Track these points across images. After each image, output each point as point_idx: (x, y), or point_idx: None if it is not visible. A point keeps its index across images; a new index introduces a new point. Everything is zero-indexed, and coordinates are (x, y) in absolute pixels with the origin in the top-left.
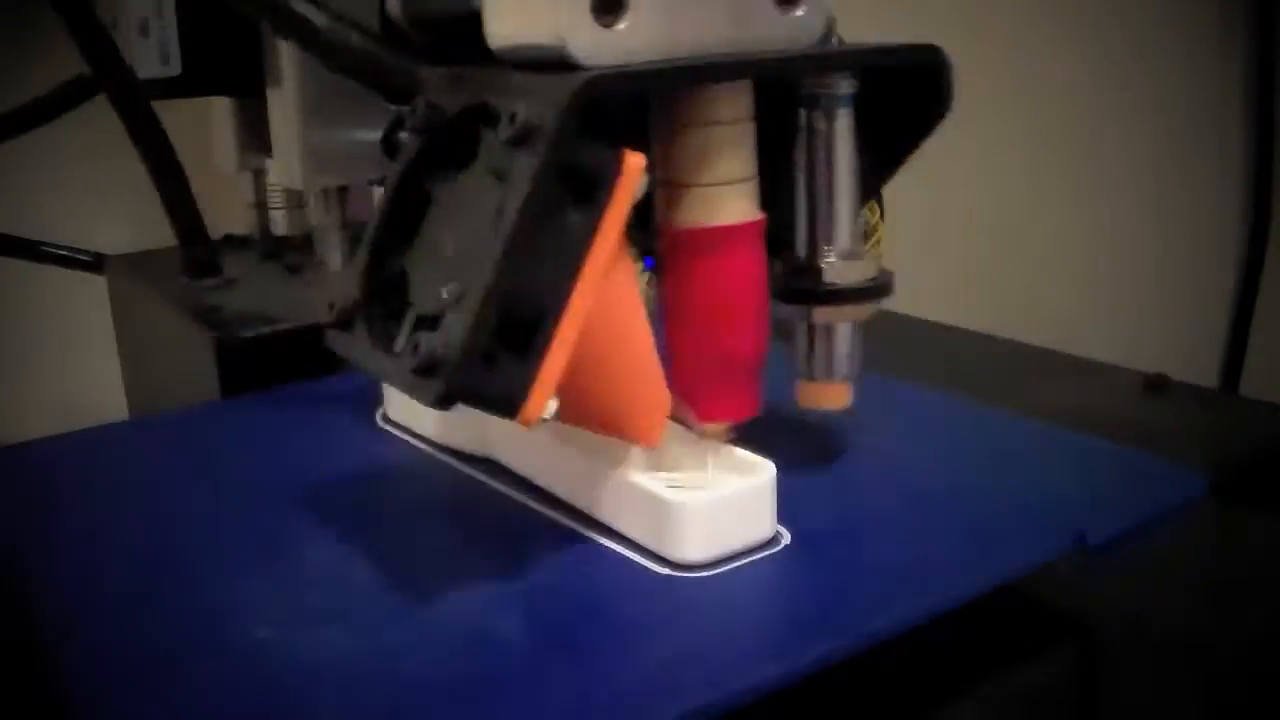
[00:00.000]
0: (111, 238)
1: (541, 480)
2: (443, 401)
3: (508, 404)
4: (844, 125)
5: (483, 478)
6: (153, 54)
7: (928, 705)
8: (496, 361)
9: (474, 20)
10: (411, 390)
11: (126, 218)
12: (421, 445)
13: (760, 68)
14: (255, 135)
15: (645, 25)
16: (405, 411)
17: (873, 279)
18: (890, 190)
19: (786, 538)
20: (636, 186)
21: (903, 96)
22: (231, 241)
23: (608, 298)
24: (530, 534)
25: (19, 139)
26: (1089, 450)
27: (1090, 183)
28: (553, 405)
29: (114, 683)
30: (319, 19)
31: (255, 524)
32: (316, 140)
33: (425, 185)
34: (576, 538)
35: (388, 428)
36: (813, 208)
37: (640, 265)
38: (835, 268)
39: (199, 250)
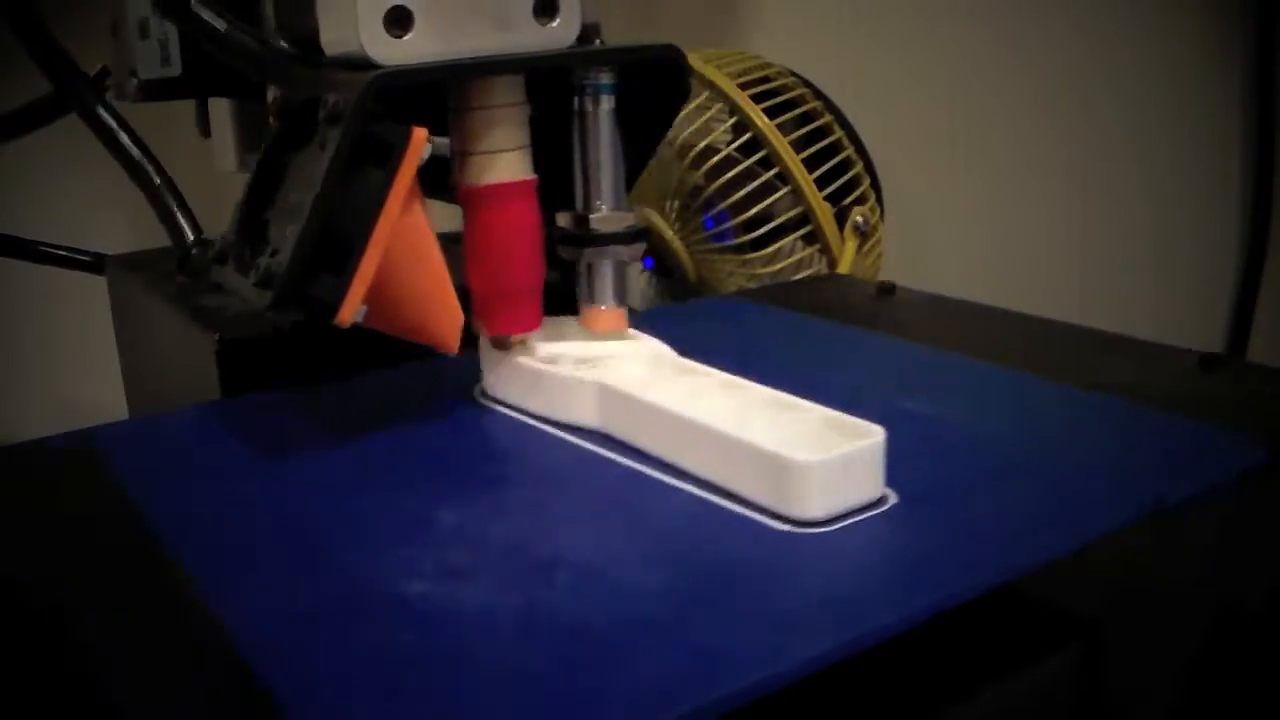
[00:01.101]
0: (111, 238)
1: (656, 449)
2: (275, 305)
3: (327, 309)
4: (606, 108)
5: (594, 447)
6: (153, 55)
7: (932, 705)
8: (318, 278)
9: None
10: (256, 300)
11: (126, 218)
12: (526, 419)
13: (507, 66)
14: (255, 135)
15: (427, 36)
16: (507, 388)
17: (630, 227)
18: (895, 191)
19: (894, 498)
20: (421, 152)
21: (657, 88)
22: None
23: (403, 231)
24: (651, 497)
25: (19, 139)
26: (1156, 423)
27: (1091, 182)
28: (363, 309)
29: (285, 645)
30: (219, 23)
31: (390, 494)
32: None
33: (283, 157)
34: (697, 500)
35: (487, 403)
36: (585, 172)
37: (640, 265)
38: (601, 218)
39: (195, 250)
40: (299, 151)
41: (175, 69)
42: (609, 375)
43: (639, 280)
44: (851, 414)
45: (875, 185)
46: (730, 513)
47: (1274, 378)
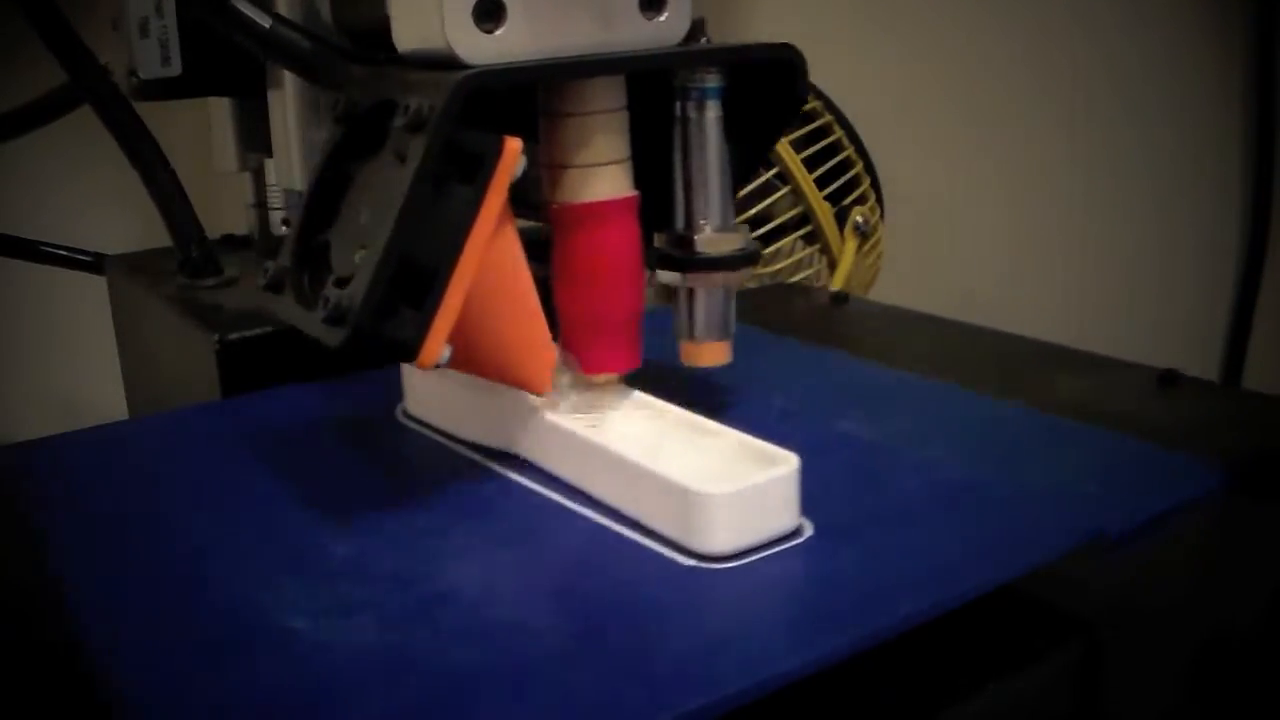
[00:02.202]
0: (111, 238)
1: (565, 474)
2: (348, 345)
3: (406, 349)
4: (712, 115)
5: (506, 471)
6: (153, 54)
7: (931, 706)
8: (396, 313)
9: (387, 28)
10: (324, 337)
11: (126, 218)
12: (442, 440)
13: (615, 65)
14: (255, 135)
15: (520, 30)
16: (426, 407)
17: (740, 249)
18: (895, 191)
19: (810, 529)
20: (515, 166)
21: (769, 91)
22: (231, 241)
23: (493, 259)
24: (555, 527)
25: (19, 139)
26: (1106, 444)
27: (1091, 182)
28: (446, 351)
29: (156, 675)
30: (263, 20)
31: (284, 519)
32: (316, 140)
33: (346, 168)
34: (602, 531)
35: (408, 423)
36: (688, 187)
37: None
38: (707, 239)
39: (196, 250)
40: (365, 163)
41: (175, 68)
42: (521, 395)
43: None
44: (779, 437)
45: (875, 185)
46: (635, 545)
47: (1230, 396)
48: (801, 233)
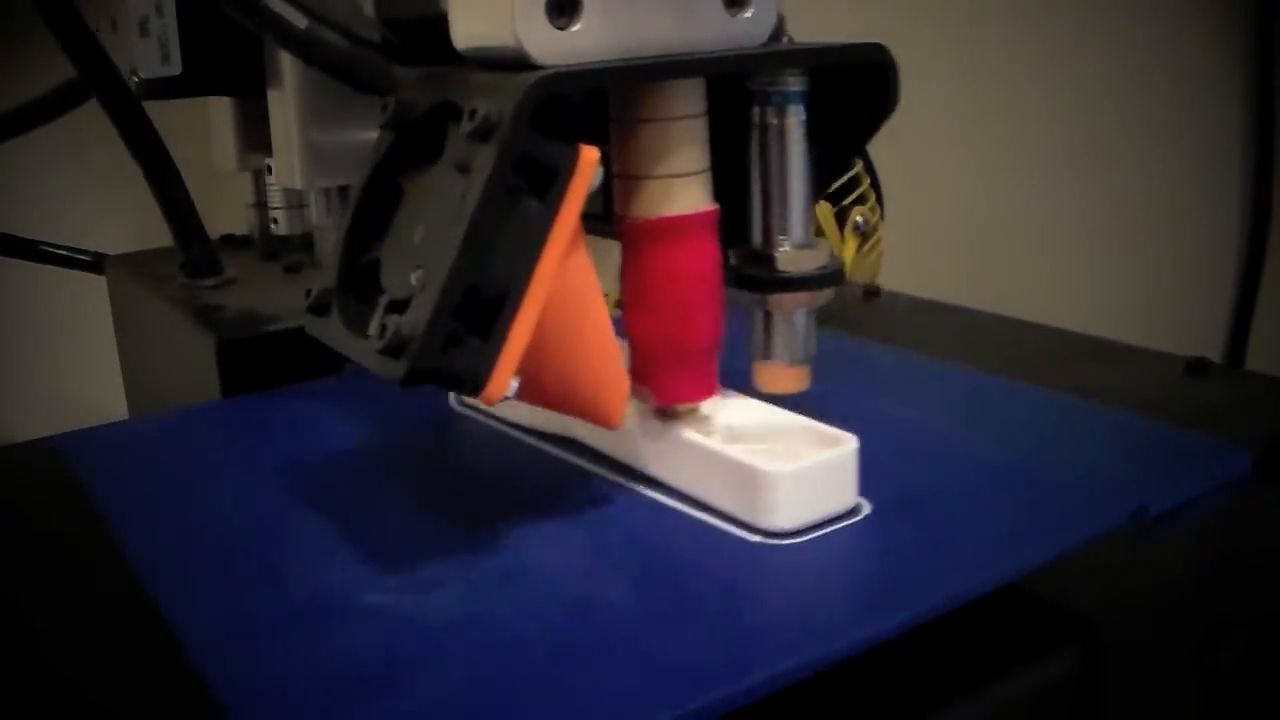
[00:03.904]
0: (111, 238)
1: (626, 457)
2: (409, 379)
3: (471, 383)
4: (794, 121)
5: (567, 456)
6: (153, 53)
7: (930, 706)
8: (461, 342)
9: (442, 23)
10: (380, 369)
11: (126, 218)
12: (499, 426)
13: (704, 66)
14: (255, 135)
15: (597, 27)
16: None
17: (823, 267)
18: (897, 191)
19: (867, 508)
20: (591, 178)
21: (853, 93)
22: (231, 241)
23: (566, 282)
24: (620, 507)
25: (19, 139)
26: (1141, 429)
27: (1092, 180)
28: (514, 384)
29: (236, 649)
30: (299, 19)
31: (356, 502)
32: (316, 140)
33: (397, 179)
34: (666, 510)
35: (464, 410)
36: (766, 200)
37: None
38: (788, 256)
39: (196, 250)
40: (419, 173)
41: (175, 68)
42: None
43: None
44: (829, 421)
45: (875, 185)
46: (701, 524)
47: (1260, 383)
48: None
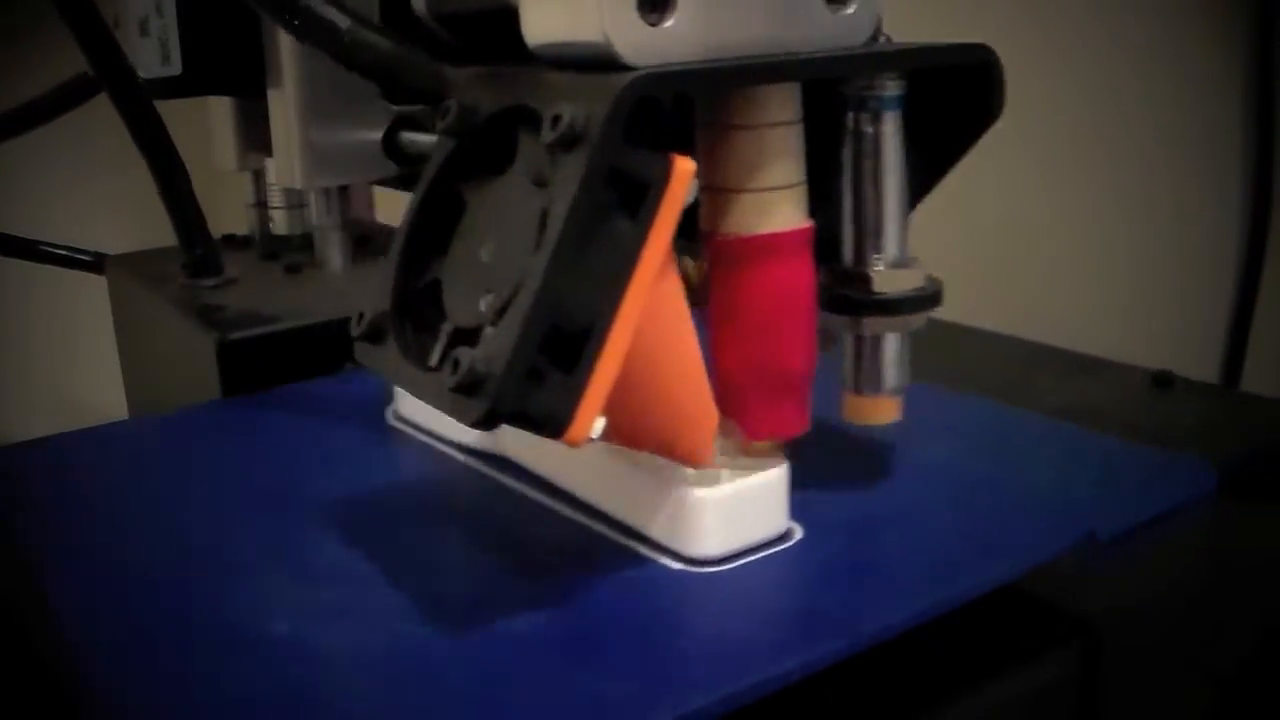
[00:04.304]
0: (111, 238)
1: (555, 477)
2: (487, 421)
3: (553, 423)
4: (891, 128)
5: (496, 474)
6: (153, 53)
7: (928, 706)
8: (542, 378)
9: (508, 17)
10: (453, 410)
11: (126, 218)
12: (432, 442)
13: (814, 68)
14: (255, 135)
15: (692, 23)
16: (416, 408)
17: (921, 288)
18: None
19: (799, 532)
20: (686, 192)
21: (950, 98)
22: (231, 241)
23: (656, 309)
24: (544, 531)
25: (19, 139)
26: (1098, 446)
27: (1089, 182)
28: (600, 424)
29: (131, 681)
30: (341, 20)
31: (269, 522)
32: (316, 140)
33: (458, 191)
34: (590, 534)
35: (398, 425)
36: (860, 214)
37: None
38: (884, 276)
39: (199, 250)
40: (484, 185)
41: (175, 68)
42: None
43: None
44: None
45: None
46: (624, 549)
47: (1224, 397)
48: None
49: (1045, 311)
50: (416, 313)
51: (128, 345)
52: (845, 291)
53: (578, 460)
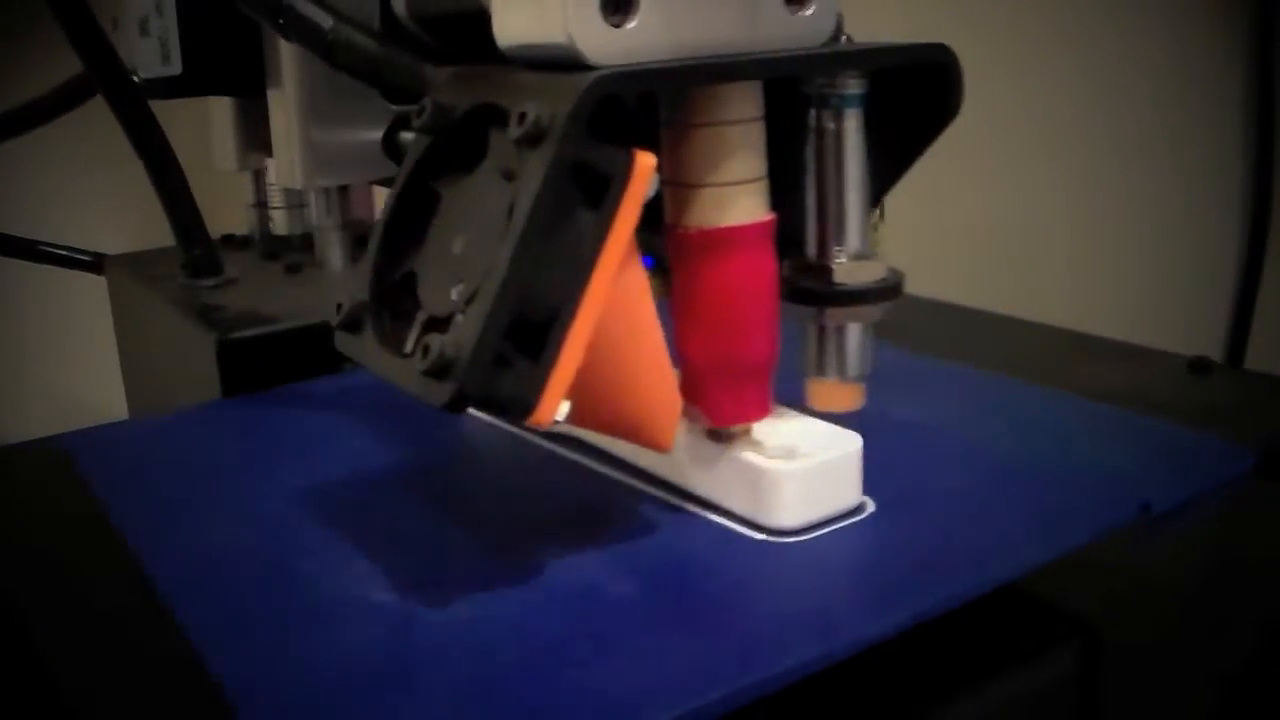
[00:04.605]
0: (111, 238)
1: (630, 455)
2: (455, 404)
3: (519, 407)
4: (853, 125)
5: (569, 454)
6: (153, 53)
7: (928, 706)
8: (509, 363)
9: (482, 19)
10: (423, 393)
11: (126, 218)
12: (498, 423)
13: (773, 67)
14: (255, 135)
15: (654, 24)
16: None
17: (883, 279)
18: (895, 191)
19: (871, 506)
20: (648, 185)
21: (912, 96)
22: (231, 241)
23: (619, 298)
24: (623, 506)
25: (19, 139)
26: (1143, 428)
27: (1092, 178)
28: (565, 407)
29: (242, 649)
30: (324, 19)
31: (266, 523)
32: (316, 140)
33: (433, 186)
34: (670, 508)
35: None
36: (822, 208)
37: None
38: (845, 268)
39: (197, 249)
40: (457, 180)
41: (175, 67)
42: None
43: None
44: (833, 421)
45: None
46: (706, 522)
47: (1264, 382)
48: None
49: (1048, 306)
50: (393, 303)
51: (128, 345)
52: (808, 283)
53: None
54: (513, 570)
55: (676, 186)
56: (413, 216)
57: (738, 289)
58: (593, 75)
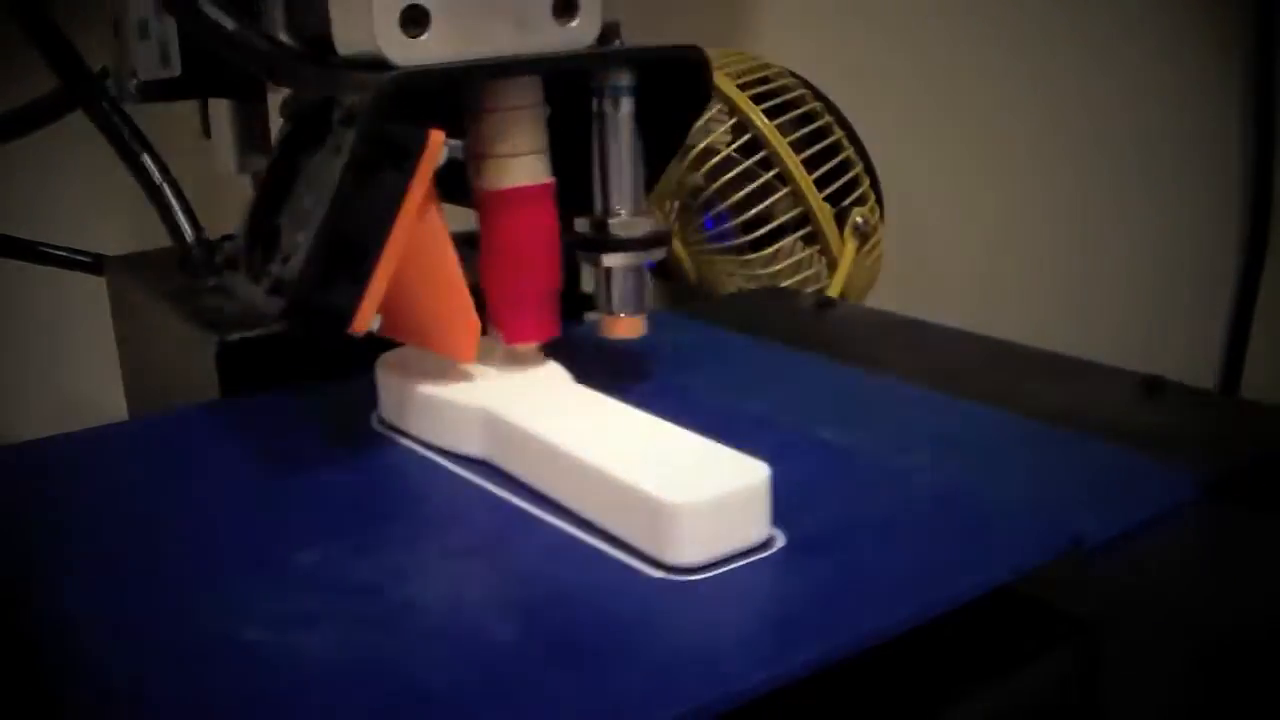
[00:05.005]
0: (111, 238)
1: (536, 483)
2: (288, 313)
3: (340, 317)
4: (626, 110)
5: (477, 480)
6: (153, 55)
7: (930, 706)
8: (333, 284)
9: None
10: (267, 307)
11: (126, 218)
12: (415, 447)
13: (522, 67)
14: (255, 136)
15: (444, 35)
16: (399, 414)
17: (652, 232)
18: (895, 191)
19: (781, 540)
20: (438, 155)
21: (680, 89)
22: (232, 242)
23: (421, 237)
24: (525, 537)
25: (19, 140)
26: (1082, 450)
27: (1091, 179)
28: (377, 320)
29: (113, 679)
30: (228, 23)
31: (249, 525)
32: None
33: (295, 160)
34: (571, 541)
35: (382, 430)
36: (605, 176)
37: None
38: (622, 223)
39: (196, 251)
40: (312, 154)
41: (175, 69)
42: (493, 401)
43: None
44: (754, 446)
45: (875, 186)
46: (604, 556)
47: (1213, 403)
48: (801, 233)
49: (1037, 316)
50: (265, 249)
51: (127, 346)
52: (594, 235)
53: (562, 467)
54: (391, 606)
55: (477, 158)
56: (280, 183)
57: (520, 236)
58: (391, 74)
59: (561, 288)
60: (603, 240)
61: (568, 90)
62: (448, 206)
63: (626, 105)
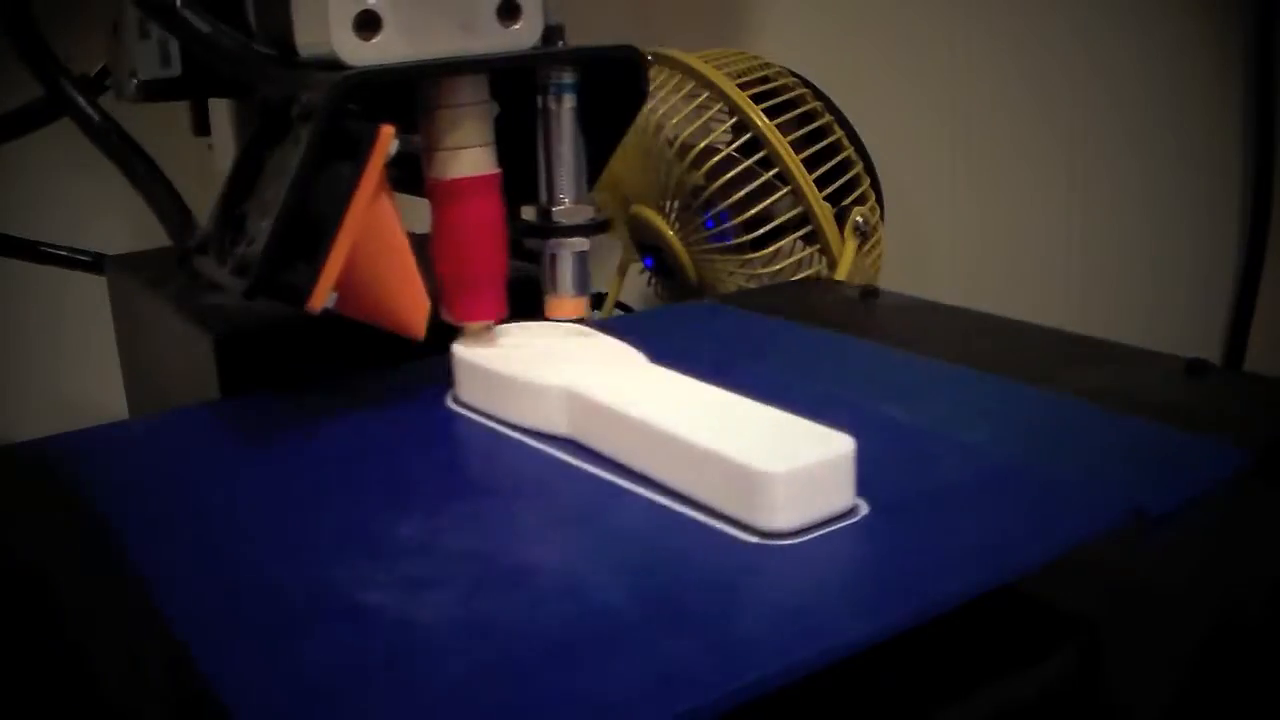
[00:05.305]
0: (111, 238)
1: (624, 457)
2: (250, 291)
3: (299, 295)
4: (569, 106)
5: (563, 455)
6: (153, 55)
7: (930, 706)
8: (293, 265)
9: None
10: (232, 286)
11: (126, 218)
12: (493, 425)
13: (464, 66)
14: None
15: (395, 38)
16: (481, 395)
17: (591, 219)
18: (895, 191)
19: (865, 508)
20: (389, 147)
21: (621, 86)
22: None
23: (373, 222)
24: (618, 508)
25: (19, 140)
26: (1135, 427)
27: (1091, 179)
28: (333, 297)
29: (237, 654)
30: (204, 26)
31: (340, 505)
32: None
33: (261, 153)
34: (663, 510)
35: (458, 409)
36: (550, 167)
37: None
38: (565, 211)
39: (190, 245)
40: (276, 148)
41: (175, 69)
42: (577, 381)
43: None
44: (826, 422)
45: (875, 185)
46: (698, 524)
47: (1261, 384)
48: (801, 233)
49: (1044, 309)
50: (232, 235)
51: (127, 345)
52: (539, 222)
53: (653, 441)
54: (503, 574)
55: (429, 151)
56: (247, 175)
57: (465, 223)
58: (344, 73)
59: (505, 272)
60: (547, 227)
61: (516, 89)
62: (406, 205)
63: (568, 101)
